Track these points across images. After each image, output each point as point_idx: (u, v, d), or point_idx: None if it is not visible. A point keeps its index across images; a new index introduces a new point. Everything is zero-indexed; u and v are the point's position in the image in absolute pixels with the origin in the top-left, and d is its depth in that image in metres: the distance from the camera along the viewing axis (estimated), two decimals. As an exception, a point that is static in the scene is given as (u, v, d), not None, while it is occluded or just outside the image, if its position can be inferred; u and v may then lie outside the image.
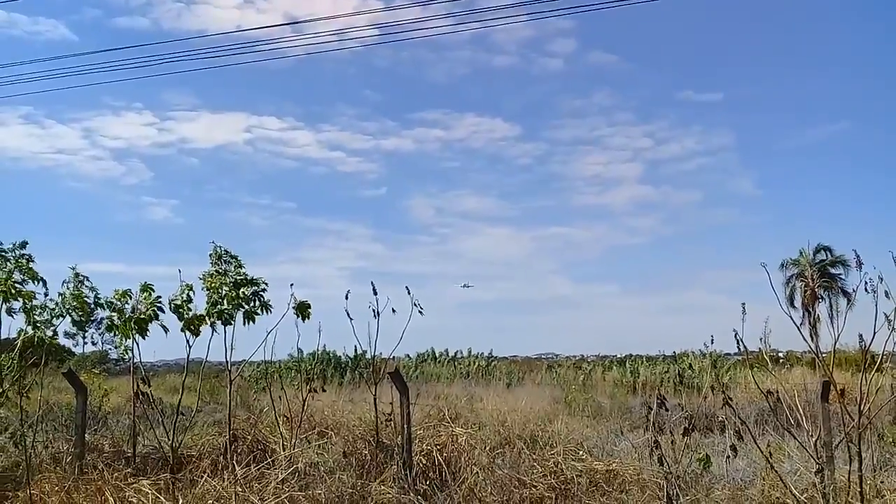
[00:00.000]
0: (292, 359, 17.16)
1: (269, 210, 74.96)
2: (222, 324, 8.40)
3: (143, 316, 8.24)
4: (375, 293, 8.24)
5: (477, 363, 38.59)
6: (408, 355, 39.28)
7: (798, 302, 46.54)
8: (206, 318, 8.39)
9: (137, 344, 8.40)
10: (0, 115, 67.01)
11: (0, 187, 63.03)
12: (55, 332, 8.58)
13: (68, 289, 8.58)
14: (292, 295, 8.52)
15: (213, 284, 8.44)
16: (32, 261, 8.66)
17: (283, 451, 8.43)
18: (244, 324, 8.49)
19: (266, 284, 8.66)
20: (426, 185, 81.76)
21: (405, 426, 7.96)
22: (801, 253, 46.17)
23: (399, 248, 76.80)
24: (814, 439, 6.50)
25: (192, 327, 8.36)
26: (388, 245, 76.74)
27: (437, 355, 41.61)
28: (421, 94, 78.27)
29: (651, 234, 75.18)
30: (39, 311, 8.48)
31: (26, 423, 8.84)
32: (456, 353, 42.09)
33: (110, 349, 41.00)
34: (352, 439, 9.18)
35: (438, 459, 8.49)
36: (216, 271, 8.52)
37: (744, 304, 6.55)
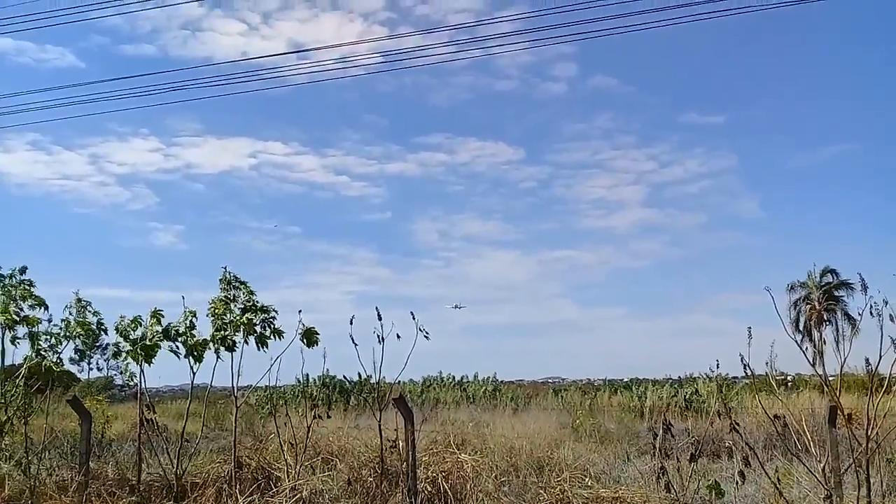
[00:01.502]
0: (299, 384, 17.12)
1: (274, 235, 75.39)
2: (226, 349, 8.43)
3: (149, 343, 8.28)
4: (380, 318, 8.22)
5: (484, 388, 38.26)
6: (412, 380, 39.07)
7: (804, 325, 46.36)
8: (211, 343, 8.44)
9: (143, 370, 8.45)
10: (7, 142, 68.09)
11: (6, 213, 63.72)
12: (60, 359, 8.61)
13: (71, 314, 8.63)
14: (300, 322, 8.56)
15: (217, 311, 8.48)
16: (33, 286, 8.73)
17: (288, 478, 8.37)
18: (258, 349, 8.54)
19: (276, 312, 8.74)
20: (430, 209, 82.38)
21: (410, 453, 7.92)
22: (808, 276, 46.06)
23: (404, 272, 77.17)
24: (822, 465, 6.45)
25: (195, 353, 8.40)
26: (393, 269, 77.10)
27: (443, 380, 41.32)
28: (424, 119, 79.41)
29: (656, 256, 75.49)
30: (45, 337, 8.52)
31: (31, 450, 8.81)
32: (462, 378, 41.80)
33: (115, 375, 41.01)
34: (357, 466, 9.11)
35: (444, 487, 8.41)
36: (225, 297, 8.57)
37: (749, 327, 6.55)
